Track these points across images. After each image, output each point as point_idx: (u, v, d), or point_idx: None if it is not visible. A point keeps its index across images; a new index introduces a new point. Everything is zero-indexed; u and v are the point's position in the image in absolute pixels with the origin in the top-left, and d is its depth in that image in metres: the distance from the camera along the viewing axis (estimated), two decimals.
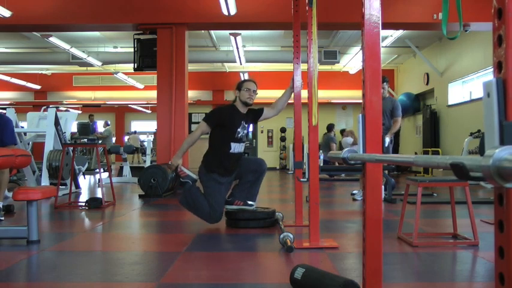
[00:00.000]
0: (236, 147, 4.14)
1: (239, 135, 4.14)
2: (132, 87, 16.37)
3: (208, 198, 4.09)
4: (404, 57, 14.29)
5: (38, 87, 16.44)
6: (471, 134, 8.86)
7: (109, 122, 15.88)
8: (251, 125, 4.46)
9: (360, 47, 1.98)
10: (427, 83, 12.94)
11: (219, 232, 4.08)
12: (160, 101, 8.21)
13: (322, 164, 9.71)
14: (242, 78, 4.35)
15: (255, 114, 4.32)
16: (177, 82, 8.14)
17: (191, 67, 11.18)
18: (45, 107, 8.54)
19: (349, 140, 10.86)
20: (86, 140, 11.51)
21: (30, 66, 15.00)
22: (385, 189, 5.88)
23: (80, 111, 12.80)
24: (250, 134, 16.89)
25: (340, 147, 13.95)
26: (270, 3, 8.11)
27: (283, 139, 16.70)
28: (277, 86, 11.70)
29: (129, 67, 11.97)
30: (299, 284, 2.22)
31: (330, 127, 12.03)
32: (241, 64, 11.89)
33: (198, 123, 4.31)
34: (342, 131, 13.15)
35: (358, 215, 4.97)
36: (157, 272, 2.70)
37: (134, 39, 8.48)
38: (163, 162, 7.66)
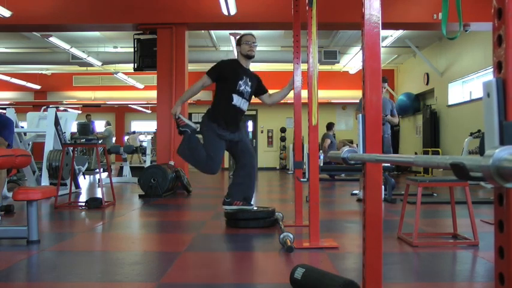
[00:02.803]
0: (239, 101, 4.20)
1: (241, 89, 4.19)
2: (132, 87, 16.37)
3: (206, 147, 4.12)
4: (404, 57, 14.29)
5: (38, 87, 16.44)
6: (471, 134, 8.86)
7: (110, 122, 15.89)
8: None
9: (360, 47, 1.98)
10: (427, 83, 12.94)
11: (219, 232, 4.08)
12: (160, 101, 8.21)
13: (322, 164, 9.71)
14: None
15: (259, 85, 4.41)
16: (177, 82, 8.13)
17: (191, 67, 11.16)
18: (45, 107, 8.54)
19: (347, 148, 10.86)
20: (85, 140, 11.53)
21: (30, 66, 15.00)
22: (385, 189, 5.89)
23: (79, 111, 12.80)
24: (250, 134, 16.91)
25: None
26: (270, 3, 8.11)
27: (283, 139, 16.70)
28: (277, 86, 11.64)
29: (129, 67, 11.97)
30: (299, 284, 2.22)
31: (329, 126, 12.02)
32: None
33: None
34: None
35: (358, 215, 4.97)
36: (157, 272, 2.70)
37: (134, 39, 8.48)
38: (163, 162, 7.66)
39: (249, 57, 4.28)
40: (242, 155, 4.29)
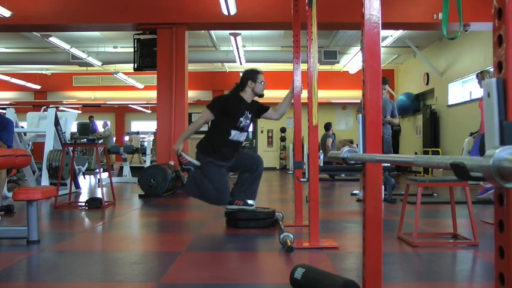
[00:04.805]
0: (236, 135, 4.15)
1: (241, 124, 4.14)
2: (132, 87, 16.37)
3: (210, 182, 4.09)
4: (404, 57, 14.29)
5: (38, 87, 16.45)
6: (471, 134, 8.86)
7: (108, 123, 15.90)
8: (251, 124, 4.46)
9: (360, 47, 1.98)
10: (427, 83, 12.94)
11: (219, 232, 4.08)
12: (160, 101, 8.21)
13: (321, 164, 9.71)
14: (252, 69, 4.34)
15: (260, 108, 4.33)
16: (177, 82, 8.14)
17: (191, 67, 11.17)
18: (45, 107, 8.55)
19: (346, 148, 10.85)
20: (85, 140, 11.51)
21: (30, 66, 15.01)
22: (385, 189, 5.88)
23: (80, 111, 12.80)
24: (250, 134, 16.90)
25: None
26: (270, 3, 8.11)
27: (283, 139, 16.70)
28: (277, 86, 11.70)
29: (129, 67, 11.97)
30: (299, 284, 2.22)
31: (328, 126, 12.02)
32: (241, 64, 11.89)
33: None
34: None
35: (358, 215, 4.97)
36: (157, 272, 2.70)
37: (134, 39, 8.48)
38: (163, 162, 7.66)
39: (262, 96, 4.22)
40: (243, 163, 4.26)
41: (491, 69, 5.74)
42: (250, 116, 4.21)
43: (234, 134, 4.13)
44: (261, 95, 4.22)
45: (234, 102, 4.16)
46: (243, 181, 4.25)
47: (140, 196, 6.69)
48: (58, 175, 6.08)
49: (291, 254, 3.06)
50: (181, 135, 4.33)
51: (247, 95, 4.19)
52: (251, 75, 4.20)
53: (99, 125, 15.93)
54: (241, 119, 4.13)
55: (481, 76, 5.81)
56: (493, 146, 0.84)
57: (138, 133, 17.24)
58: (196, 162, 4.16)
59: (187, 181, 4.23)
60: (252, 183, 4.25)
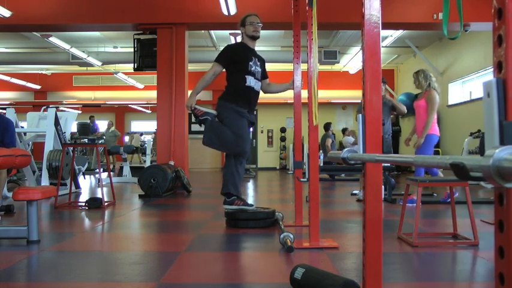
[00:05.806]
0: (252, 81, 4.20)
1: (252, 69, 4.20)
2: (132, 87, 16.38)
3: (230, 128, 4.08)
4: (404, 57, 14.29)
5: (38, 87, 16.45)
6: (471, 134, 8.86)
7: (113, 122, 15.91)
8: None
9: (360, 47, 1.98)
10: None
11: (219, 232, 4.07)
12: (160, 101, 8.21)
13: (321, 164, 9.71)
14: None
15: (264, 68, 4.40)
16: (177, 82, 8.13)
17: (191, 67, 11.16)
18: (45, 107, 8.55)
19: (350, 139, 10.87)
20: (88, 140, 11.49)
21: (30, 66, 15.01)
22: (385, 189, 5.88)
23: (79, 111, 12.80)
24: (250, 134, 16.89)
25: (341, 147, 14.00)
26: (270, 3, 8.11)
27: (283, 139, 16.70)
28: None
29: (129, 67, 11.97)
30: (299, 284, 2.22)
31: (327, 126, 12.03)
32: None
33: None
34: (344, 130, 13.19)
35: (358, 215, 4.97)
36: (157, 272, 2.70)
37: (134, 39, 8.48)
38: (163, 162, 7.66)
39: (255, 38, 4.29)
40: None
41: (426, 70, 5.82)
42: (259, 63, 4.28)
43: (250, 80, 4.18)
44: (254, 37, 4.29)
45: (238, 48, 4.30)
46: (234, 173, 4.22)
47: (140, 196, 6.69)
48: (58, 175, 6.08)
49: (291, 254, 3.06)
50: (193, 90, 4.24)
51: (247, 41, 4.31)
52: (241, 21, 4.35)
53: (102, 124, 15.92)
54: (251, 63, 4.19)
55: (416, 76, 5.82)
56: (492, 146, 0.84)
57: (141, 134, 17.26)
58: (213, 112, 4.18)
59: (205, 132, 4.14)
60: (240, 179, 4.28)
